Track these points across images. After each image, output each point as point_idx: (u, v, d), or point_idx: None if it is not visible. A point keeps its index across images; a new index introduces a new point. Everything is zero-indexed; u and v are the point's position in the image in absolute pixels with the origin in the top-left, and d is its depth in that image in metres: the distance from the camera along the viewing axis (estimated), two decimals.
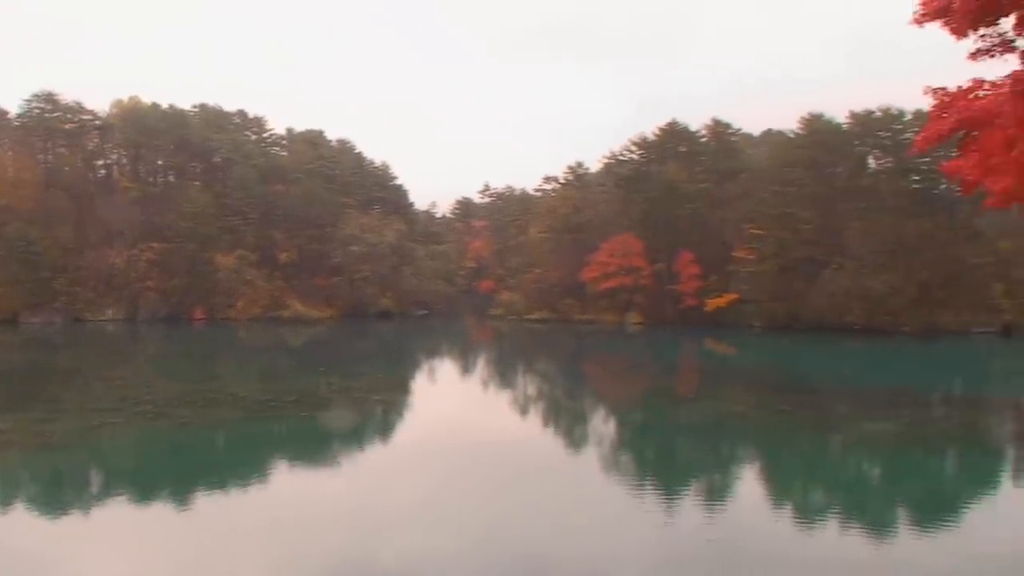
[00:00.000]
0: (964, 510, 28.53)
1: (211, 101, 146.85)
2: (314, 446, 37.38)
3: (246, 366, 73.01)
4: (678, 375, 72.78)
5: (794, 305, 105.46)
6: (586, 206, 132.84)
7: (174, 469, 32.53)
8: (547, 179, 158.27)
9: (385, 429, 43.30)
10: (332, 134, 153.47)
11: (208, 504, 27.14)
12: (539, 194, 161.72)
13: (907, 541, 24.29)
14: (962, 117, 12.79)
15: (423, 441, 38.99)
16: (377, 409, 48.89)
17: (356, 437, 40.17)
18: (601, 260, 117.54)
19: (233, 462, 34.78)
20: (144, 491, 28.78)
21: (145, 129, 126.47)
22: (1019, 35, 12.78)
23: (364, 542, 22.80)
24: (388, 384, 60.45)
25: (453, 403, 53.70)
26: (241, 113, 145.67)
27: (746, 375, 69.81)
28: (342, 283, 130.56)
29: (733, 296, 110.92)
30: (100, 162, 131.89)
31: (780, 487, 32.14)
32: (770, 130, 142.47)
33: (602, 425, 47.95)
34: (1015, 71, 12.27)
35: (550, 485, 30.34)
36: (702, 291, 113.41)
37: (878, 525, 26.18)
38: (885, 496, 31.19)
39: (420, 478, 31.19)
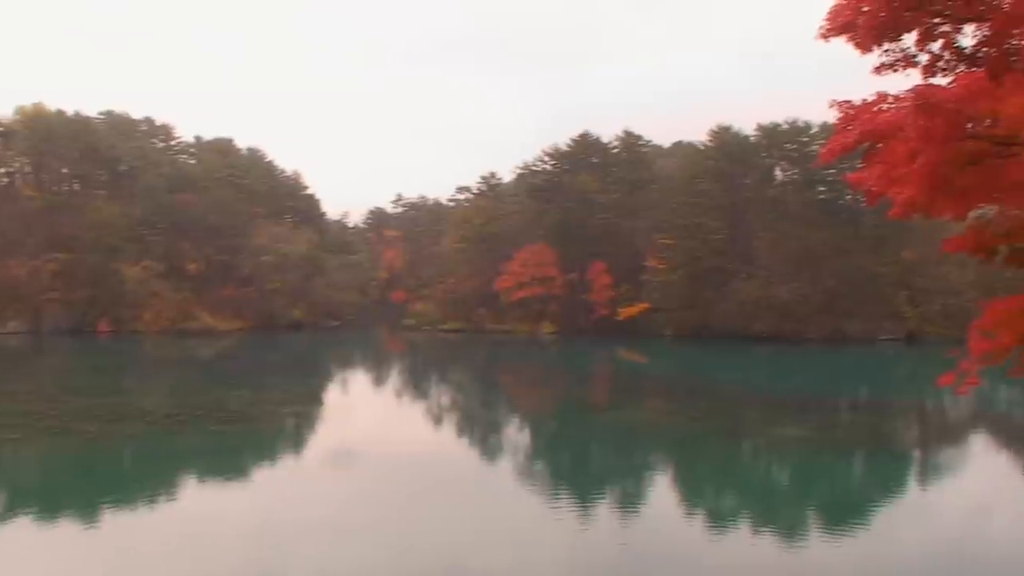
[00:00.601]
0: (873, 512, 29.20)
1: (118, 108, 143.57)
2: (223, 461, 36.70)
3: (153, 380, 71.45)
4: (591, 384, 73.30)
5: (704, 313, 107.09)
6: (499, 216, 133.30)
7: (79, 485, 31.66)
8: (460, 189, 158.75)
9: (297, 442, 42.73)
10: (242, 142, 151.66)
11: (114, 521, 26.46)
12: (452, 204, 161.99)
13: (818, 544, 24.76)
14: (866, 130, 13.09)
15: (336, 454, 38.59)
16: (289, 422, 48.24)
17: (267, 451, 39.55)
18: (514, 270, 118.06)
19: (140, 478, 33.97)
20: (47, 508, 27.96)
21: (49, 136, 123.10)
22: (921, 51, 13.18)
23: (273, 557, 22.45)
24: (300, 397, 59.68)
25: (366, 415, 53.26)
26: (148, 120, 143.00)
27: (658, 383, 70.64)
28: (252, 294, 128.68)
29: (644, 305, 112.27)
30: (2, 170, 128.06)
31: (693, 493, 32.54)
32: (680, 142, 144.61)
33: (516, 434, 48.04)
34: (917, 85, 12.63)
35: (465, 495, 30.27)
36: (614, 300, 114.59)
37: (789, 529, 26.65)
38: (796, 500, 31.80)
39: (333, 491, 30.87)
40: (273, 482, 33.07)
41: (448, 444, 43.24)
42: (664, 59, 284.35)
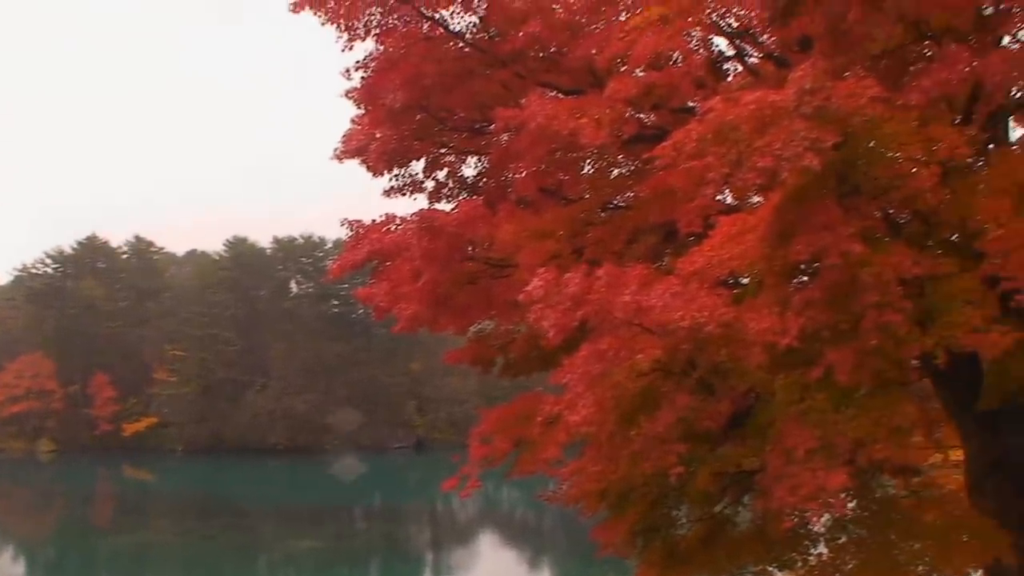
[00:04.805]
0: None
1: None
2: None
3: None
4: (94, 506, 68.56)
5: (217, 427, 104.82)
6: None
7: None
8: None
9: None
10: None
11: None
12: None
13: None
14: (374, 248, 13.68)
15: None
16: None
17: None
18: (7, 382, 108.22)
19: None
20: None
21: None
22: (428, 177, 14.27)
23: None
24: None
25: None
26: None
27: (169, 502, 67.69)
28: None
29: (153, 419, 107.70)
30: None
31: None
32: (195, 250, 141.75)
33: (8, 567, 43.58)
34: (422, 209, 13.56)
35: None
36: (120, 415, 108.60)
37: None
38: None
39: None
40: None
41: None
42: (186, 169, 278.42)
